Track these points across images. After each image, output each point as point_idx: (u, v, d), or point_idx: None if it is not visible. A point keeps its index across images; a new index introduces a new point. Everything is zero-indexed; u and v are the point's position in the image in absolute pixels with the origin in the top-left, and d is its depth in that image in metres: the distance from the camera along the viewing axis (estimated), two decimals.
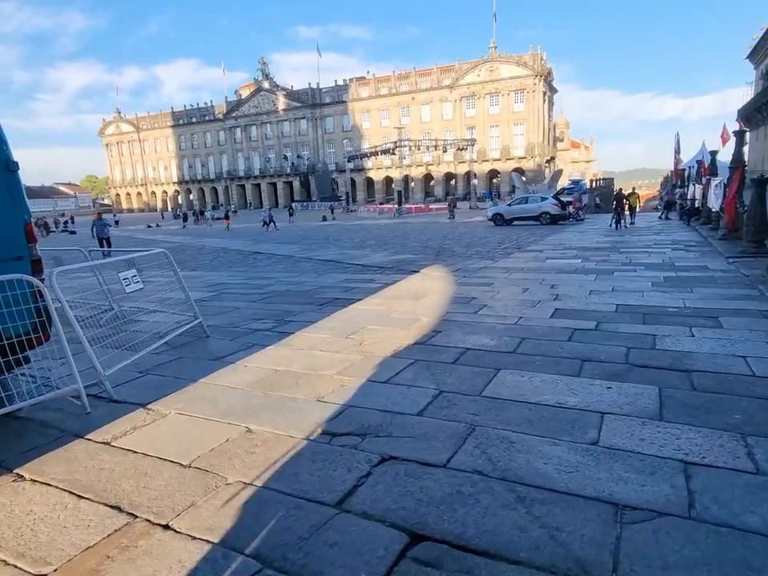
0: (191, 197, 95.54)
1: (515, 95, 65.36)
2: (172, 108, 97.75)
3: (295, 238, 23.31)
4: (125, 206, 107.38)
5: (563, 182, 50.20)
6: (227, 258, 15.93)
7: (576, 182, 49.31)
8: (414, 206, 46.90)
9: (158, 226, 49.51)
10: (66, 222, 57.53)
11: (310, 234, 25.64)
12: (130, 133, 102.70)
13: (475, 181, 55.44)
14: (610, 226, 21.25)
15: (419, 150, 49.87)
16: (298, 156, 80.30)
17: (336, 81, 78.03)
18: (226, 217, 36.72)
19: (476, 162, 60.49)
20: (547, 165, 68.38)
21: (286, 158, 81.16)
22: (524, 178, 50.15)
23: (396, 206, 46.24)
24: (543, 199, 25.99)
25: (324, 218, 42.50)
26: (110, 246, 16.86)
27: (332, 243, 19.47)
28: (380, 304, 6.99)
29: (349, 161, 58.97)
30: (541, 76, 63.43)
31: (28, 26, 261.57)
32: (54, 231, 46.74)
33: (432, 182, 73.70)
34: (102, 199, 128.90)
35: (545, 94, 66.32)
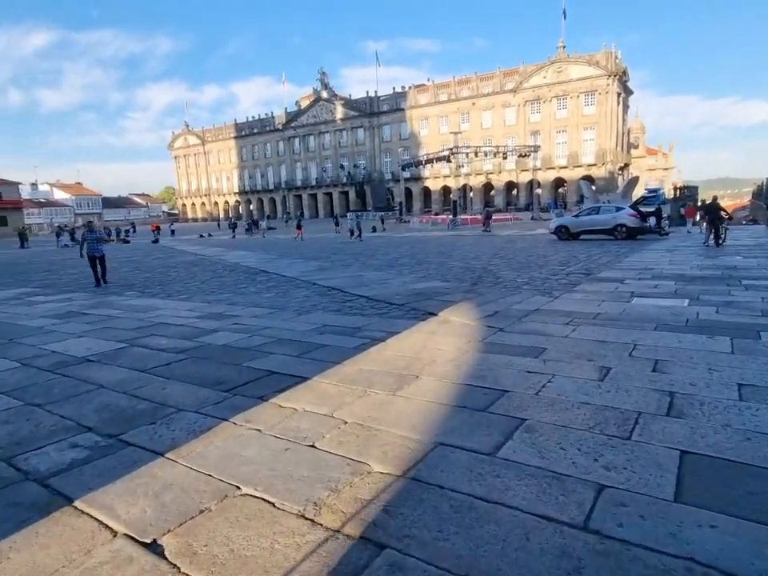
0: (251, 207, 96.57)
1: (585, 97, 60.23)
2: (235, 120, 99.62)
3: (325, 252, 20.60)
4: (190, 215, 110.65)
5: (638, 192, 44.82)
6: (225, 278, 13.34)
7: (654, 191, 43.81)
8: (470, 217, 43.27)
9: (209, 235, 48.85)
10: (126, 231, 58.69)
11: (344, 248, 22.88)
12: (197, 145, 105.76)
13: (539, 190, 51.01)
14: (705, 243, 16.99)
15: (477, 156, 46.24)
16: (355, 165, 78.68)
17: (394, 88, 75.93)
18: (298, 226, 34.31)
19: (540, 169, 55.96)
20: (620, 173, 62.48)
21: (342, 167, 79.80)
22: (593, 187, 45.20)
23: (450, 216, 42.85)
24: (618, 209, 21.78)
25: (374, 229, 39.83)
26: (104, 268, 12.89)
27: (360, 260, 16.53)
28: (324, 400, 3.83)
29: (403, 169, 56.23)
30: (615, 76, 57.99)
31: (122, 51, 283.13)
32: (113, 240, 46.89)
33: (492, 192, 69.57)
34: (172, 209, 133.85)
35: (619, 95, 60.65)
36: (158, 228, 52.30)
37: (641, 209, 22.96)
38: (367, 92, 78.19)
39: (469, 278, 10.91)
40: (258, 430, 3.29)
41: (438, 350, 5.14)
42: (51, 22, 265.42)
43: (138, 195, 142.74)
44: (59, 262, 23.35)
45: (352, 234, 28.44)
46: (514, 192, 68.27)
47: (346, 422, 3.36)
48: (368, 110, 77.00)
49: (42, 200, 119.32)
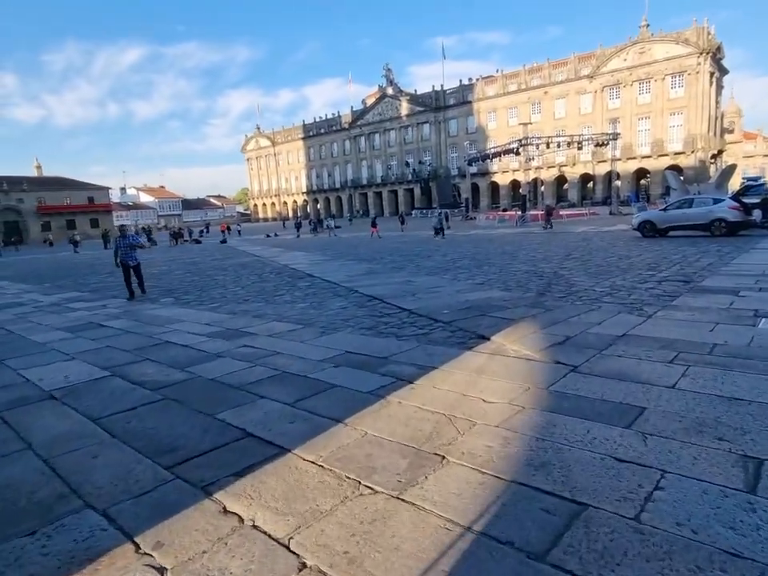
0: (318, 206, 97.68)
1: (672, 79, 54.89)
2: (303, 121, 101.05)
3: (382, 253, 19.35)
4: (261, 215, 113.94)
5: (735, 181, 39.92)
6: (266, 283, 12.43)
7: (754, 180, 38.83)
8: (540, 213, 40.45)
9: (275, 235, 49.29)
10: (200, 231, 60.88)
11: (403, 248, 21.53)
12: (267, 147, 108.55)
13: (618, 182, 46.98)
14: None
15: (549, 147, 43.13)
16: (420, 162, 77.07)
17: (461, 81, 73.48)
18: (373, 224, 33.26)
19: (619, 160, 51.67)
20: (712, 161, 56.51)
21: (407, 164, 78.43)
22: (681, 177, 40.80)
23: (519, 212, 40.33)
24: (716, 201, 18.82)
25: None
26: (140, 277, 11.48)
27: (415, 262, 15.13)
28: (293, 500, 2.48)
29: (470, 164, 53.94)
30: (707, 53, 52.33)
31: (204, 61, 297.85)
32: (187, 240, 48.41)
33: (565, 185, 65.47)
34: (246, 209, 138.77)
35: (712, 74, 54.70)
36: (227, 228, 53.66)
37: (744, 200, 19.81)
38: (433, 86, 76.25)
39: (535, 286, 9.20)
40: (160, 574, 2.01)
41: (482, 402, 3.66)
42: (143, 38, 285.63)
43: (214, 197, 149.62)
44: (88, 264, 23.78)
45: (437, 232, 26.27)
46: (590, 185, 63.79)
47: (305, 564, 2.01)
48: (433, 105, 75.08)
49: (129, 203, 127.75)
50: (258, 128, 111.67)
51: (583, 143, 43.95)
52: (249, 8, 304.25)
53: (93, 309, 9.97)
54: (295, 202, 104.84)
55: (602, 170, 58.52)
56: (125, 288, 11.30)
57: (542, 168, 59.18)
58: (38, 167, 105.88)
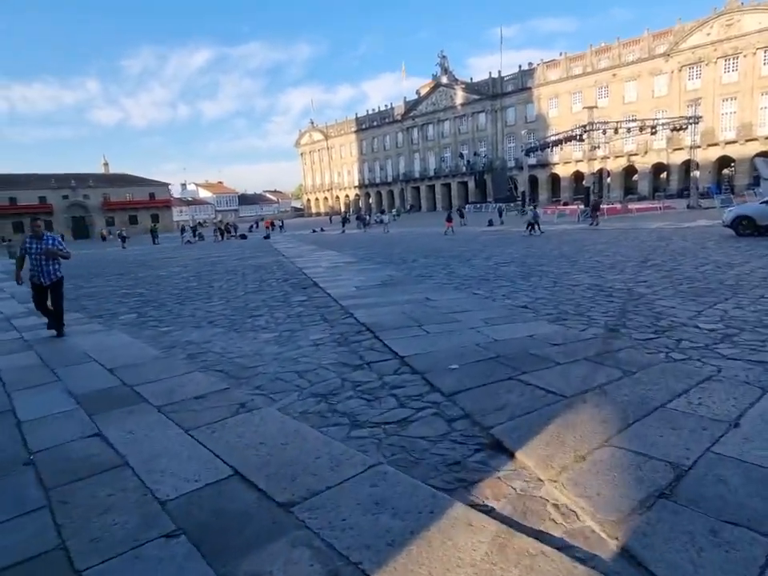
0: (370, 200, 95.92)
1: (765, 54, 48.29)
2: (356, 114, 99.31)
3: (418, 253, 16.70)
4: (314, 210, 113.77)
5: None
6: (257, 295, 10.15)
7: None
8: (606, 206, 36.23)
9: (322, 230, 47.67)
10: (250, 227, 60.46)
11: (445, 248, 18.77)
12: (320, 141, 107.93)
13: (696, 172, 41.59)
14: None
15: (617, 134, 38.54)
16: (475, 153, 73.25)
17: (520, 66, 68.83)
18: (449, 218, 29.25)
19: (699, 147, 45.99)
20: None
21: (461, 156, 74.82)
22: None
23: (581, 206, 36.34)
24: None
25: (490, 223, 35.00)
26: (58, 304, 7.30)
27: (449, 268, 12.42)
28: None
29: (527, 154, 49.91)
30: None
31: (268, 61, 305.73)
32: (234, 236, 47.70)
33: (635, 176, 59.78)
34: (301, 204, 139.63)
35: None
36: (271, 225, 52.61)
37: None
38: (490, 73, 71.94)
39: (602, 315, 6.34)
40: None
41: None
42: (210, 41, 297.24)
43: (270, 192, 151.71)
44: (150, 261, 22.50)
45: (531, 227, 23.01)
46: (663, 176, 57.85)
47: None
48: (490, 92, 70.86)
49: (189, 198, 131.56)
50: (312, 122, 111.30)
51: (658, 128, 39.10)
52: (310, 5, 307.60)
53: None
54: (347, 196, 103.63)
55: (677, 158, 52.75)
56: (111, 296, 9.30)
57: (608, 157, 54.01)
58: (105, 164, 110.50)
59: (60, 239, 7.52)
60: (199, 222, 71.54)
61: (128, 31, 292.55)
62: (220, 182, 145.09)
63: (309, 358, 5.25)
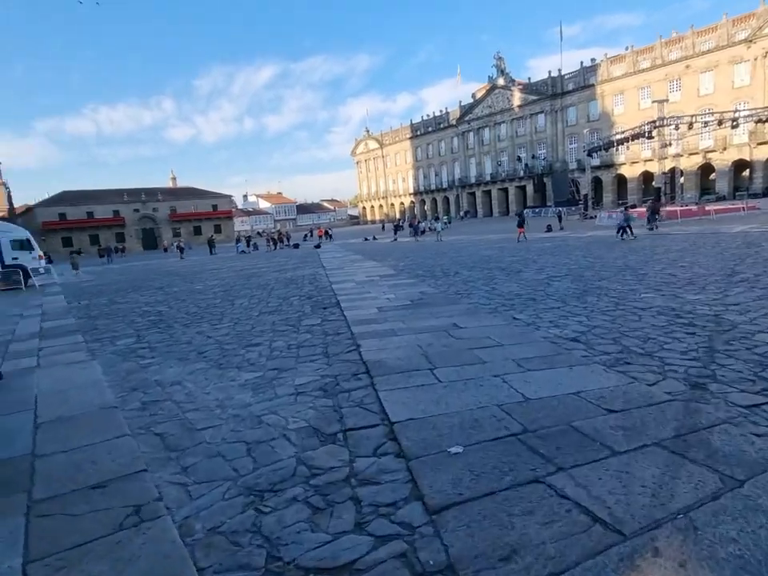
0: (425, 207, 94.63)
1: None
2: (411, 120, 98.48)
3: (464, 265, 15.17)
4: (369, 217, 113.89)
5: None
6: (270, 317, 9.07)
7: None
8: (679, 208, 32.87)
9: (374, 238, 46.90)
10: (305, 236, 60.93)
11: (493, 257, 17.12)
12: (375, 149, 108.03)
13: None
14: None
15: (691, 129, 35.03)
16: (533, 156, 70.25)
17: (582, 62, 65.30)
18: (520, 224, 25.93)
19: None
20: None
21: (519, 159, 72.01)
22: None
23: (649, 208, 33.21)
24: None
25: (548, 228, 32.70)
26: None
27: (491, 282, 10.87)
28: None
29: (590, 154, 46.72)
30: None
31: (328, 74, 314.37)
32: (287, 245, 47.92)
33: (712, 175, 54.77)
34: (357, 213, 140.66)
35: None
36: (325, 233, 52.45)
37: None
38: (549, 72, 68.84)
39: (680, 357, 4.68)
40: None
41: None
42: (275, 57, 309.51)
43: (327, 201, 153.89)
44: (194, 274, 22.30)
45: (623, 231, 20.95)
46: (745, 173, 52.55)
47: None
48: (549, 92, 67.68)
49: (249, 209, 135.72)
50: (367, 130, 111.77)
51: (739, 120, 35.25)
52: (371, 18, 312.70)
53: None
54: (402, 203, 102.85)
55: (762, 153, 47.77)
56: (129, 315, 8.52)
57: (681, 155, 49.68)
58: (173, 179, 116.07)
59: None
60: (258, 232, 72.99)
61: (200, 53, 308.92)
62: (279, 193, 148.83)
63: (276, 417, 4.01)
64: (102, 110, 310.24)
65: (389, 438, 3.40)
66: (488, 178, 78.67)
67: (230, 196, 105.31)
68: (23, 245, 25.88)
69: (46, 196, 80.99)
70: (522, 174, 71.56)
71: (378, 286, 11.88)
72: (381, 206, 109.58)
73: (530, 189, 70.54)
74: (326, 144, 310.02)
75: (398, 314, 8.03)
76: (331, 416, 3.92)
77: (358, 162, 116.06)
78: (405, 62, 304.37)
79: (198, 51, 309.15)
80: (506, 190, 76.24)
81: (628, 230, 20.77)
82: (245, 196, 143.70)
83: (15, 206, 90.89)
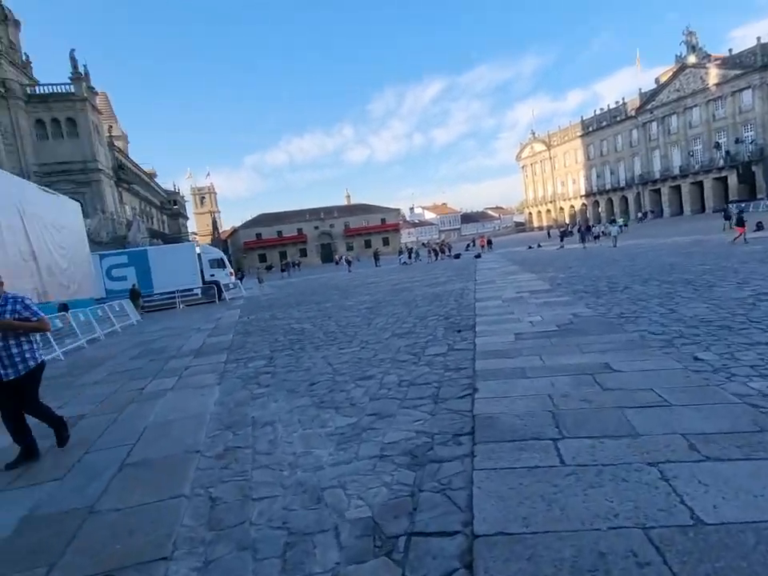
0: (599, 209, 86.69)
1: None
2: (581, 117, 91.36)
3: (637, 276, 12.75)
4: (536, 223, 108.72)
5: None
6: (407, 339, 8.37)
7: None
8: None
9: (539, 246, 44.25)
10: (466, 246, 60.30)
11: (678, 264, 14.15)
12: (542, 152, 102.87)
13: None
14: None
15: None
16: (737, 140, 59.17)
17: None
18: (740, 223, 20.61)
19: None
20: None
21: (717, 146, 61.29)
22: None
23: None
24: None
25: (759, 226, 26.85)
26: (23, 401, 4.49)
27: (674, 299, 8.69)
28: None
29: None
30: None
31: (494, 80, 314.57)
32: (449, 255, 47.90)
33: None
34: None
35: None
36: (488, 242, 50.90)
37: None
38: (758, 39, 57.26)
39: None
40: None
41: None
42: (441, 72, 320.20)
43: (492, 209, 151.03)
44: (352, 288, 23.05)
45: None
46: None
47: None
48: (759, 63, 56.34)
49: (415, 221, 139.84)
50: (533, 133, 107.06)
51: None
52: (539, 18, 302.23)
53: None
54: (572, 206, 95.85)
55: None
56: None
57: None
58: (348, 197, 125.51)
59: (26, 300, 4.53)
60: (422, 243, 74.48)
61: (374, 79, 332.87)
62: (444, 204, 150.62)
63: (341, 494, 3.22)
64: (294, 141, 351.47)
65: (464, 562, 2.35)
66: (676, 171, 68.63)
67: (398, 210, 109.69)
68: (219, 263, 29.83)
69: (249, 218, 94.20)
70: (720, 163, 60.82)
71: (525, 305, 10.43)
72: (548, 210, 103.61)
73: (732, 180, 59.56)
74: (492, 151, 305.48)
75: (537, 344, 6.66)
76: (404, 504, 2.98)
77: (523, 167, 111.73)
78: (575, 57, 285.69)
79: (373, 78, 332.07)
80: (700, 184, 65.59)
81: None
82: (411, 208, 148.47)
83: (226, 228, 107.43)
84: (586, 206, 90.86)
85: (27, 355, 4.44)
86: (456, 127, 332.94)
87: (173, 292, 26.03)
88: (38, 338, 4.66)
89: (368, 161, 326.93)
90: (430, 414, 4.51)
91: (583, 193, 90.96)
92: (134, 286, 23.60)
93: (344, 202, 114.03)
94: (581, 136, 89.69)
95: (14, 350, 4.35)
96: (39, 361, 4.57)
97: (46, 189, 20.62)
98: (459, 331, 8.62)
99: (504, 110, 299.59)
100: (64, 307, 15.85)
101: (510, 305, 10.78)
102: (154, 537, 2.94)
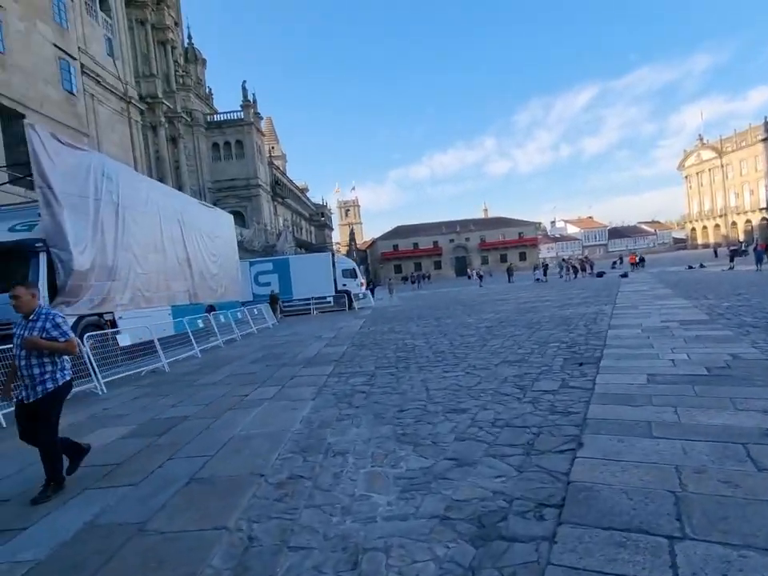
0: None
1: None
2: (765, 118, 78.74)
3: None
4: (700, 240, 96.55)
5: None
6: (518, 368, 7.52)
7: None
8: None
9: (701, 266, 38.91)
10: (613, 263, 55.52)
11: None
12: (711, 159, 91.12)
13: None
14: None
15: None
16: None
17: None
18: None
19: None
20: None
21: None
22: None
23: None
24: None
25: None
26: (40, 426, 4.16)
27: None
28: None
29: None
30: None
31: (656, 83, 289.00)
32: (591, 273, 44.53)
33: None
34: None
35: None
36: (640, 260, 46.05)
37: None
38: None
39: None
40: None
41: None
42: (594, 78, 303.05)
43: (646, 223, 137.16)
44: (479, 304, 22.24)
45: None
46: None
47: None
48: None
49: (556, 235, 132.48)
50: (701, 139, 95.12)
51: None
52: (713, 13, 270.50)
53: None
54: (748, 221, 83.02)
55: None
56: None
57: None
58: (485, 210, 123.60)
59: (58, 317, 4.29)
60: (563, 259, 70.17)
61: (519, 90, 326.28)
62: (589, 217, 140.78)
63: (381, 561, 2.71)
64: (436, 156, 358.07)
65: None
66: None
67: (537, 223, 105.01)
68: (351, 273, 30.98)
69: (388, 230, 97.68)
70: None
71: (670, 338, 8.82)
72: (717, 225, 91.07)
73: None
74: (649, 161, 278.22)
75: (675, 391, 5.42)
76: None
77: (686, 177, 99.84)
78: (762, 50, 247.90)
79: (518, 88, 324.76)
80: None
81: None
82: (552, 222, 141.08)
83: (367, 239, 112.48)
84: (766, 220, 77.82)
85: (47, 377, 4.18)
86: (609, 135, 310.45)
87: (309, 298, 27.58)
88: (65, 358, 4.40)
89: (509, 173, 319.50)
90: (517, 470, 3.77)
91: (764, 206, 78.10)
92: (272, 292, 25.43)
93: (481, 215, 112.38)
94: (763, 140, 77.30)
95: (36, 371, 4.14)
96: (60, 383, 4.25)
97: (205, 203, 23.18)
98: (581, 364, 7.51)
99: (667, 114, 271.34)
100: (210, 308, 17.48)
101: (651, 336, 9.21)
102: (177, 575, 2.72)
